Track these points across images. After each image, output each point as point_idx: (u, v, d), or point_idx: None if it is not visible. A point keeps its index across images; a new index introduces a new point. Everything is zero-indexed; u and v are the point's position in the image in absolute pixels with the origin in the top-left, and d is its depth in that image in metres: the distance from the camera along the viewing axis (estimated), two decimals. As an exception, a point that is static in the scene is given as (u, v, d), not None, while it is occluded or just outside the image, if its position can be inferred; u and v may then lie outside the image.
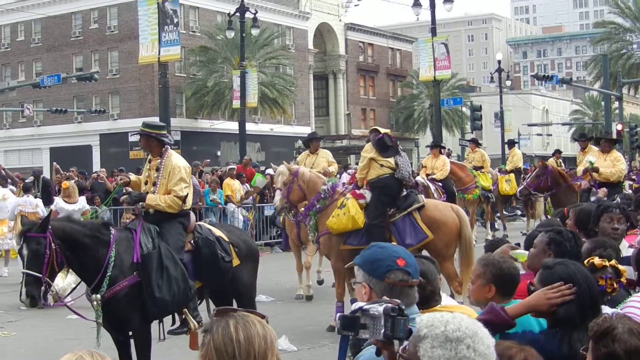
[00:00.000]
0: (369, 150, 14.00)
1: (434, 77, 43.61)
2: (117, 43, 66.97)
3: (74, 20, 69.84)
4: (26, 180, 26.46)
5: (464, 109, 68.31)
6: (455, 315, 3.44)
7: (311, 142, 18.63)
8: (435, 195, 20.62)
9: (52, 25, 69.87)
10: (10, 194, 22.50)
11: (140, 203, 9.98)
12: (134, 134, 10.40)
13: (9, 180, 27.48)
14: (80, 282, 9.66)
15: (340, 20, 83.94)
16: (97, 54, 68.71)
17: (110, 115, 66.17)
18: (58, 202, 19.11)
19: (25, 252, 8.86)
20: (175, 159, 10.22)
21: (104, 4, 68.11)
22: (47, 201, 23.10)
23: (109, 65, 67.80)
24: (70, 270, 16.48)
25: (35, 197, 21.84)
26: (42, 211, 20.13)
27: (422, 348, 3.35)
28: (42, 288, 8.86)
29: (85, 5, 68.70)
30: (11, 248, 22.34)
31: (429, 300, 4.98)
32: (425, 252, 12.88)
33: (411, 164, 17.13)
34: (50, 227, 8.89)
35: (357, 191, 14.01)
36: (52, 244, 8.83)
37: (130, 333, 9.42)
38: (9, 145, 72.05)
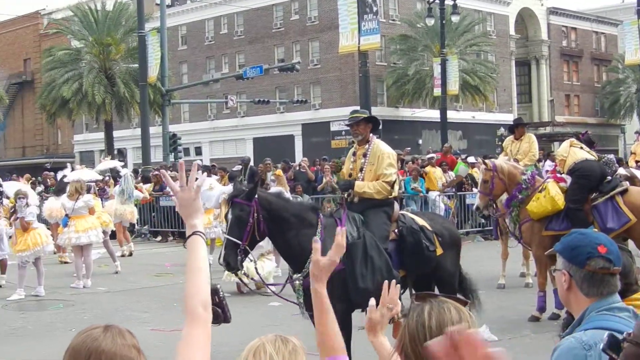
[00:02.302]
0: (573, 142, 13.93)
1: (641, 60, 42.22)
2: (318, 33, 67.67)
3: (275, 12, 71.06)
4: (232, 169, 27.04)
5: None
6: None
7: (516, 128, 18.28)
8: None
9: (254, 17, 71.26)
10: (216, 184, 23.02)
11: (349, 190, 10.01)
12: (347, 123, 10.43)
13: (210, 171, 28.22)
14: (277, 268, 9.68)
15: (542, 5, 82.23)
16: (298, 45, 69.66)
17: (312, 105, 66.99)
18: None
19: (229, 216, 9.04)
20: (383, 146, 10.28)
21: (304, -6, 69.06)
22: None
23: (310, 56, 68.59)
24: (267, 257, 16.84)
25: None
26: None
27: None
28: (239, 257, 8.99)
29: (287, -3, 69.89)
30: (217, 237, 22.93)
31: (624, 293, 4.77)
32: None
33: (617, 151, 16.75)
34: (256, 196, 9.01)
35: (558, 175, 13.85)
36: (256, 214, 8.94)
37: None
38: (214, 136, 74.08)
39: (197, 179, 3.70)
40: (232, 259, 8.89)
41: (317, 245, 3.84)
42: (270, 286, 10.62)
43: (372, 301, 4.13)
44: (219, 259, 9.00)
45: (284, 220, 9.20)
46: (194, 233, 3.65)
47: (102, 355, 2.96)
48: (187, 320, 3.44)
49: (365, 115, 10.41)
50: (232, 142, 72.92)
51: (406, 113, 67.12)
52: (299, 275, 9.18)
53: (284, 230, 9.24)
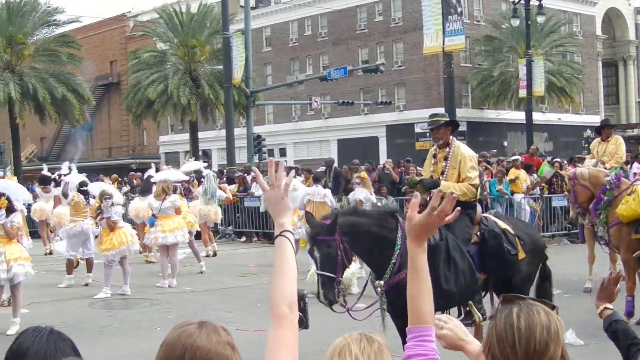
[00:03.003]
0: None
1: None
2: (402, 34, 67.47)
3: (359, 13, 71.03)
4: (317, 170, 27.10)
5: None
6: None
7: (603, 130, 17.99)
8: None
9: (338, 19, 71.30)
10: (300, 185, 23.09)
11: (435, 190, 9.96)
12: (420, 126, 10.43)
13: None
14: (360, 270, 9.63)
15: (629, 5, 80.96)
16: (382, 46, 69.55)
17: (397, 107, 66.82)
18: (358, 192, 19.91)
19: (317, 254, 8.91)
20: (463, 149, 10.27)
21: (388, -4, 68.91)
22: (336, 191, 23.60)
23: (394, 57, 68.42)
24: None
25: (325, 186, 22.26)
26: (330, 201, 20.59)
27: None
28: (336, 289, 8.91)
29: (370, -2, 69.81)
30: (301, 237, 22.97)
31: None
32: None
33: None
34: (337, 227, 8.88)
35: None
36: (342, 244, 8.86)
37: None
38: (298, 137, 74.33)
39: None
40: (331, 294, 8.81)
41: (415, 200, 3.70)
42: (356, 311, 10.45)
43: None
44: (318, 297, 8.87)
45: (366, 235, 9.11)
46: (282, 233, 3.64)
47: (197, 351, 2.96)
48: (273, 321, 3.43)
49: (445, 119, 10.35)
50: (317, 144, 73.07)
51: (491, 115, 66.62)
52: (381, 282, 9.17)
53: (366, 243, 9.17)
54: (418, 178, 10.60)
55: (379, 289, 9.22)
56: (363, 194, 20.17)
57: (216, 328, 3.07)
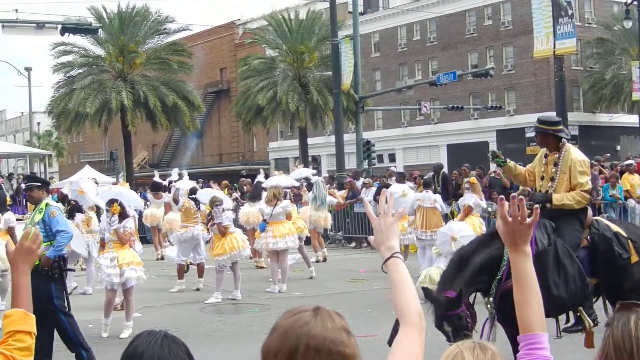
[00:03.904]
0: None
1: None
2: (512, 38, 66.77)
3: (468, 17, 70.52)
4: (425, 176, 26.95)
5: None
6: None
7: None
8: None
9: (447, 23, 70.90)
10: (409, 190, 22.99)
11: (546, 205, 9.70)
12: (530, 130, 10.24)
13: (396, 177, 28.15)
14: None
15: None
16: (491, 50, 68.95)
17: (507, 111, 66.15)
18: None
19: (447, 328, 8.84)
20: (574, 153, 9.98)
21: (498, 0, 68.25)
22: (444, 196, 23.41)
23: (504, 61, 67.76)
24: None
25: (435, 192, 22.08)
26: (441, 206, 20.45)
27: None
28: None
29: (479, 2, 69.17)
30: (411, 243, 22.86)
31: None
32: None
33: None
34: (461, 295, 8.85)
35: None
36: (468, 311, 8.90)
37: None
38: (407, 142, 74.15)
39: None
40: None
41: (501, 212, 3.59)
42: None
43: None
44: None
45: (478, 273, 9.09)
46: (394, 255, 3.61)
47: (312, 340, 2.92)
48: (403, 329, 3.38)
49: (547, 128, 10.02)
50: (426, 149, 72.76)
51: (603, 118, 65.48)
52: (490, 298, 9.08)
53: (480, 277, 9.14)
54: (505, 159, 10.31)
55: (488, 306, 9.16)
56: (472, 200, 19.93)
57: (331, 314, 3.04)
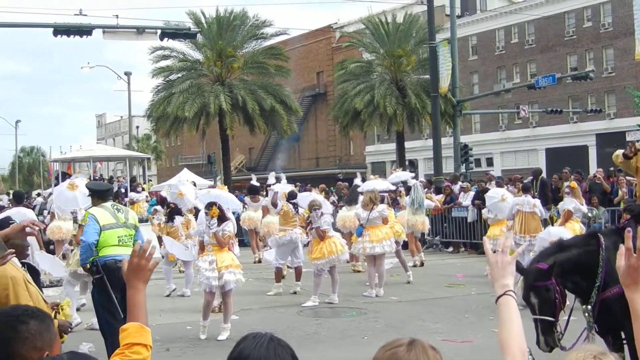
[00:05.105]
0: None
1: None
2: (612, 40, 65.66)
3: (567, 19, 69.55)
4: (525, 181, 26.66)
5: None
6: None
7: None
8: None
9: (545, 25, 70.07)
10: (508, 195, 22.73)
11: None
12: (631, 134, 9.99)
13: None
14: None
15: None
16: (591, 53, 67.88)
17: (607, 115, 65.11)
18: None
19: (534, 300, 8.63)
20: None
21: (597, 1, 67.09)
22: (542, 201, 23.12)
23: (604, 64, 66.67)
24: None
25: (534, 196, 21.81)
26: (540, 211, 20.18)
27: None
28: (556, 333, 8.63)
29: (579, 4, 68.17)
30: (510, 248, 22.54)
31: None
32: None
33: None
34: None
35: None
36: (558, 287, 8.63)
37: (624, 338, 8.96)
38: (505, 146, 73.45)
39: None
40: (552, 340, 8.54)
41: (622, 250, 3.58)
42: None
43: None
44: (538, 344, 8.55)
45: (573, 266, 8.84)
46: (507, 293, 3.69)
47: None
48: None
49: None
50: (524, 153, 71.99)
51: None
52: (588, 306, 8.81)
53: (574, 277, 8.87)
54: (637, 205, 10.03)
55: (586, 314, 8.90)
56: (572, 204, 19.67)
57: (425, 349, 3.07)
